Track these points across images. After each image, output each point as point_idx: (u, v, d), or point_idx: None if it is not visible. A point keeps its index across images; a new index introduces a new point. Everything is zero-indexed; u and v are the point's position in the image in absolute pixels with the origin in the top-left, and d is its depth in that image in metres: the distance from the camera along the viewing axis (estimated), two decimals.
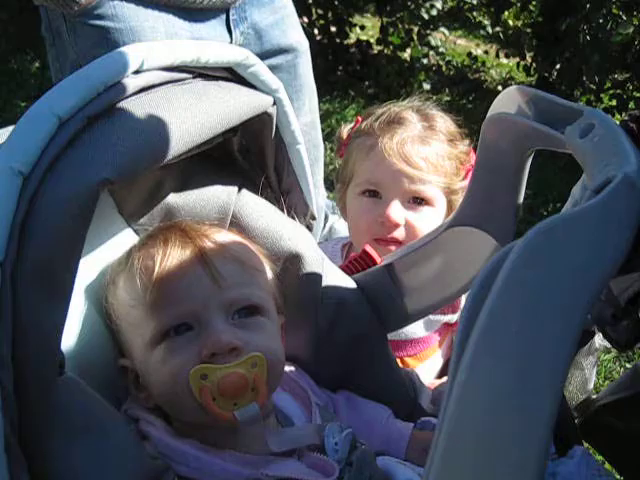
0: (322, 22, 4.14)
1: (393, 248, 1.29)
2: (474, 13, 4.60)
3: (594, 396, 1.12)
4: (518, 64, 4.13)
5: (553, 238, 0.52)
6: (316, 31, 4.12)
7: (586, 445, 1.04)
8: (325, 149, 2.02)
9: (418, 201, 1.31)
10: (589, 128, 0.70)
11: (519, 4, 4.17)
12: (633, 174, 0.57)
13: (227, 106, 0.83)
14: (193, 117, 0.77)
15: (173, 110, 0.75)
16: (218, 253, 0.87)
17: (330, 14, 4.13)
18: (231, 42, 1.70)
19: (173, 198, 0.95)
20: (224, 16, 1.63)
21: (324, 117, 3.45)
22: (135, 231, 0.95)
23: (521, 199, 0.97)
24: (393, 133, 1.29)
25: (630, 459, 1.06)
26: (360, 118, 1.40)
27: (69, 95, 0.66)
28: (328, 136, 2.85)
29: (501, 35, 4.42)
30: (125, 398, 0.88)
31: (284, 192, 1.06)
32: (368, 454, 0.90)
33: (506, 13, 4.50)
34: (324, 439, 0.88)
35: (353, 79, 4.11)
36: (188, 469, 0.79)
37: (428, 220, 1.31)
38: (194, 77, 0.82)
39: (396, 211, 1.29)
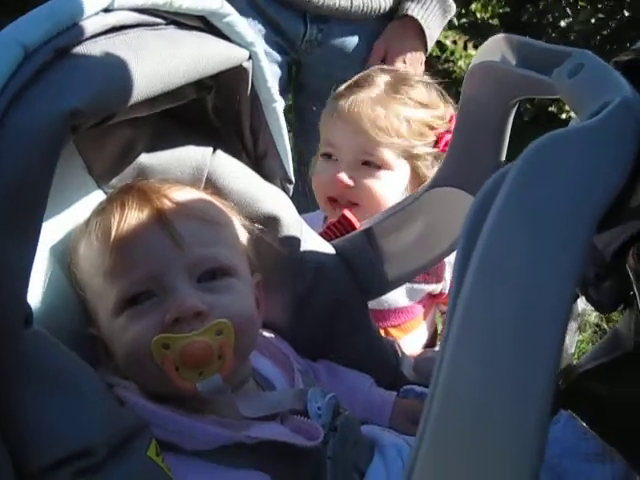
0: None
1: None
2: None
3: (575, 363, 1.11)
4: None
5: (546, 157, 0.50)
6: None
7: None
8: None
9: (371, 164, 1.29)
10: (578, 68, 0.68)
11: None
12: (632, 98, 0.55)
13: (201, 53, 0.79)
14: (166, 60, 0.73)
15: (146, 51, 0.71)
16: (178, 212, 0.82)
17: None
18: (305, 35, 1.73)
19: (145, 158, 0.91)
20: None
21: None
22: (105, 193, 0.91)
23: (503, 157, 0.95)
24: (351, 95, 1.28)
25: (613, 424, 1.05)
26: None
27: (36, 26, 0.61)
28: None
29: (468, 25, 4.45)
30: (94, 365, 0.84)
31: (260, 156, 1.03)
32: (352, 420, 0.87)
33: (474, 5, 4.54)
34: (306, 404, 0.85)
35: None
36: (166, 432, 0.75)
37: (384, 183, 1.28)
38: (167, 24, 0.79)
39: (345, 172, 1.28)
